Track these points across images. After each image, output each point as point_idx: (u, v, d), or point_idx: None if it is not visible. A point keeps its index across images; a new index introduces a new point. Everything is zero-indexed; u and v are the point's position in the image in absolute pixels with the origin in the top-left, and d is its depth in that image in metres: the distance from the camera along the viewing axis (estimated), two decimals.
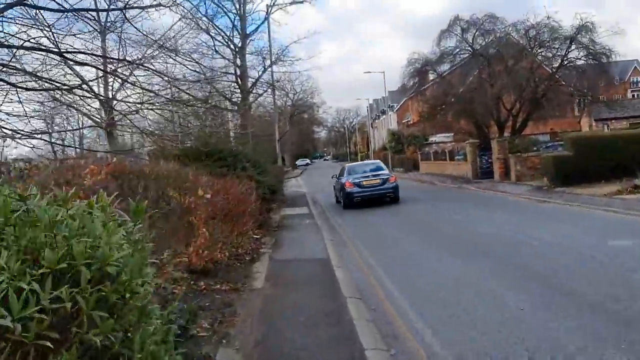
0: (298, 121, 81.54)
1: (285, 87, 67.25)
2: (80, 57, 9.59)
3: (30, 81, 7.97)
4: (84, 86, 12.69)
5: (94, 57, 9.94)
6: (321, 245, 11.77)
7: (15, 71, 7.91)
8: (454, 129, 35.74)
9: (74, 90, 12.22)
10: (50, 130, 13.43)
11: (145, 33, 12.48)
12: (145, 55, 13.89)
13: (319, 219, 17.08)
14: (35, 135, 10.43)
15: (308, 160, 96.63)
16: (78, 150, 22.95)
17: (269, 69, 27.39)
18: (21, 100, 9.62)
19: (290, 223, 16.10)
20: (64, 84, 8.57)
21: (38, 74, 9.83)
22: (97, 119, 13.72)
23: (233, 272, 9.04)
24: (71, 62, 10.20)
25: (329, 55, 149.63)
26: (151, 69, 12.77)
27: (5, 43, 7.10)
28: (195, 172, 11.43)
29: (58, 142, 24.84)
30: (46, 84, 8.17)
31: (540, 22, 31.88)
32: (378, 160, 29.12)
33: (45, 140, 12.13)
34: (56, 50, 8.09)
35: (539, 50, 32.96)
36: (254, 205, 12.42)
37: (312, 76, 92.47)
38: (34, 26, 8.47)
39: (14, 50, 8.21)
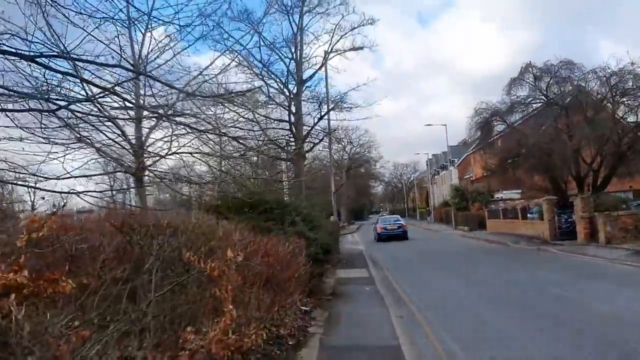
0: (355, 175, 79.65)
1: (343, 140, 66.11)
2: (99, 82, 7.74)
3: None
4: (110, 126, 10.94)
5: (114, 69, 7.99)
6: (387, 324, 9.17)
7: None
8: (527, 185, 32.51)
9: (100, 129, 10.48)
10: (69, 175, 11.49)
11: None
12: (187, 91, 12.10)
13: (382, 285, 14.43)
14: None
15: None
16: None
17: (326, 117, 25.46)
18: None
19: (347, 290, 13.55)
20: (54, 99, 6.52)
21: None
22: (125, 163, 11.81)
23: None
24: (89, 87, 8.39)
25: (386, 111, 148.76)
26: (190, 97, 10.95)
27: None
28: (230, 226, 9.23)
29: (119, 197, 23.30)
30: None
31: (624, 69, 28.94)
32: (397, 215, 48.92)
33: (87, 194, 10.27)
34: (58, 52, 6.16)
35: (622, 99, 29.83)
36: (303, 269, 10.04)
37: (369, 130, 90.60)
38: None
39: None
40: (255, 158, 26.55)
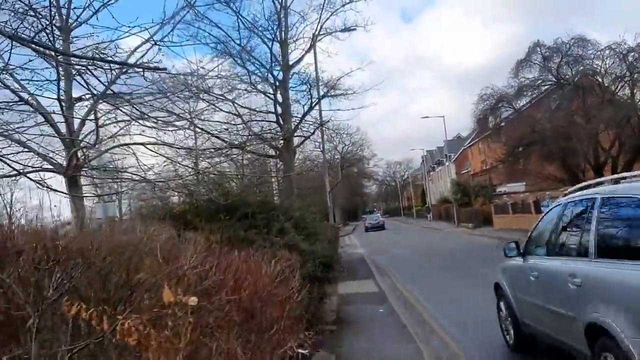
0: (347, 175, 76.72)
1: (334, 139, 63.22)
2: None
3: None
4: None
5: None
6: None
7: None
8: (541, 175, 29.60)
9: None
10: None
11: None
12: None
13: (398, 303, 11.45)
14: None
15: None
16: None
17: (317, 107, 22.49)
18: None
19: (355, 313, 10.58)
20: None
21: None
22: (55, 161, 8.73)
23: None
24: None
25: (374, 109, 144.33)
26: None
27: None
28: (189, 240, 6.27)
29: None
30: None
31: None
32: (379, 214, 74.07)
33: None
34: None
35: None
36: (297, 296, 7.07)
37: (361, 128, 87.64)
38: None
39: None
40: (238, 156, 23.65)
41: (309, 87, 21.69)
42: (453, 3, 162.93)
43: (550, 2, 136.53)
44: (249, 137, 21.56)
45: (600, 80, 27.14)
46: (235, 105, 19.87)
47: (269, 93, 20.82)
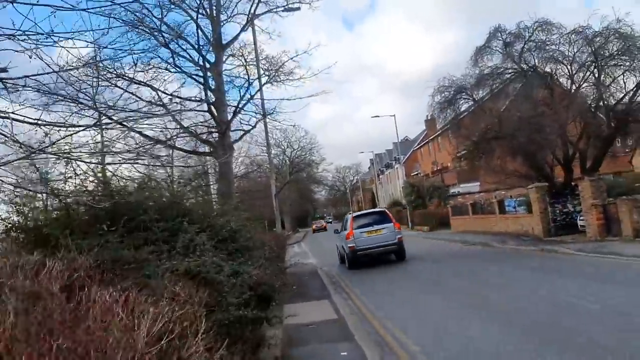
0: (297, 180, 73.61)
1: (282, 144, 60.04)
2: None
3: None
4: None
5: None
6: None
7: None
8: (505, 172, 27.00)
9: None
10: None
11: None
12: None
13: (365, 338, 8.29)
14: None
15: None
16: None
17: (258, 95, 19.24)
18: None
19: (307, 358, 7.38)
20: None
21: None
22: None
23: None
24: None
25: (319, 116, 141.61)
26: None
27: None
28: None
29: None
30: None
31: (608, 28, 24.35)
32: (323, 220, 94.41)
33: None
34: None
35: (610, 64, 25.13)
36: None
37: (309, 132, 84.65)
38: None
39: None
40: (167, 156, 20.10)
41: (245, 66, 18.41)
42: (394, 10, 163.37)
43: (486, 7, 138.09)
44: (178, 129, 18.08)
45: (568, 67, 25.00)
46: (158, 92, 16.46)
47: (198, 75, 17.41)
